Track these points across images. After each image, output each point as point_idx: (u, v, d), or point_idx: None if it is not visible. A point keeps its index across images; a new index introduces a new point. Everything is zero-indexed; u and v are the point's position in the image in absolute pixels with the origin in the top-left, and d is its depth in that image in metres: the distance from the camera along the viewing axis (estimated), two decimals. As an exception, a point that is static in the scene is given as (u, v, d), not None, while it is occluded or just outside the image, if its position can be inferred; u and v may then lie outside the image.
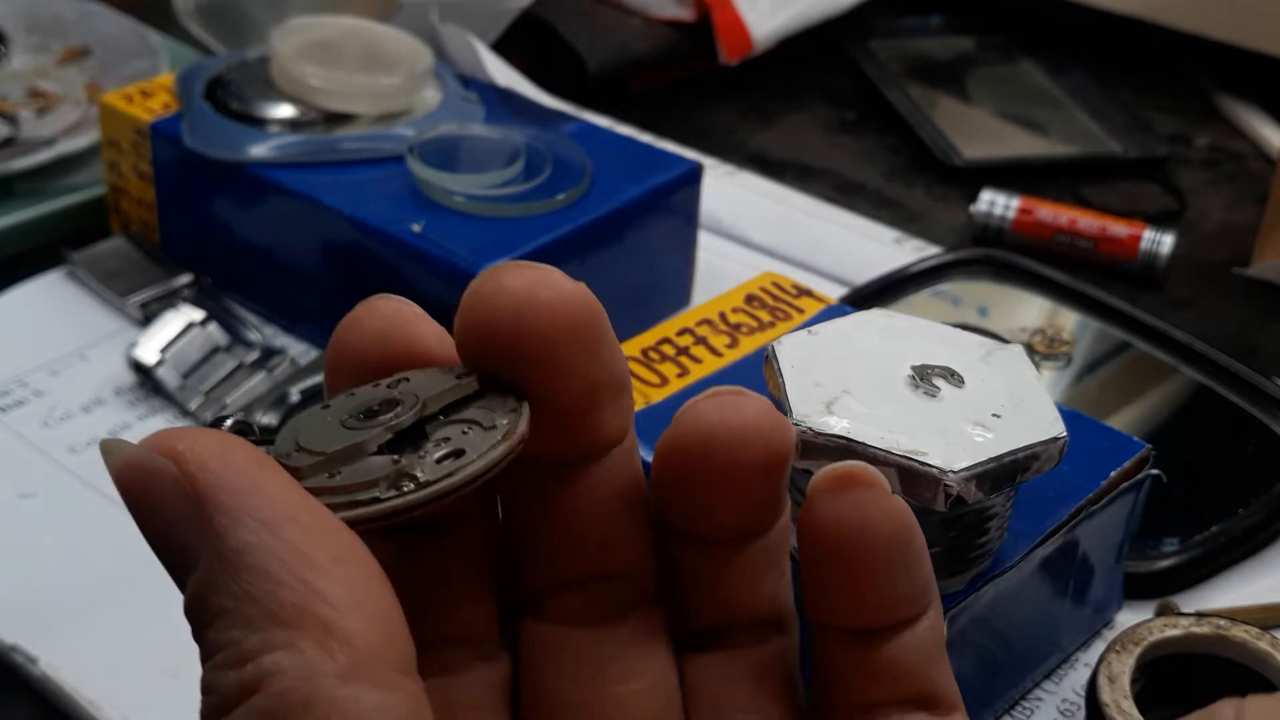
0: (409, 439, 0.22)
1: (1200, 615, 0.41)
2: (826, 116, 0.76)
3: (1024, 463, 0.33)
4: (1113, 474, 0.39)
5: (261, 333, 0.54)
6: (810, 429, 0.32)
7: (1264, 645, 0.39)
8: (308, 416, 0.23)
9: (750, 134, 0.74)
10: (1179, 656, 0.39)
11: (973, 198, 0.65)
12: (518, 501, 0.24)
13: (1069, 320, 0.56)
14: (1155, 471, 0.40)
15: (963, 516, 0.34)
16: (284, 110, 0.56)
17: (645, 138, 0.67)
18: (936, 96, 0.78)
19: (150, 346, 0.52)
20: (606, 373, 0.23)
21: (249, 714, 0.19)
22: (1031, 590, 0.38)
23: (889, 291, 0.56)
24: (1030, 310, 0.57)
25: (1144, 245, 0.62)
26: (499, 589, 0.25)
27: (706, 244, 0.59)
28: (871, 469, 0.23)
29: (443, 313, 0.23)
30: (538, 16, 0.74)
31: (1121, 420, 0.51)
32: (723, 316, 0.45)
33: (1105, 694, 0.38)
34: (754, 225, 0.63)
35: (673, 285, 0.57)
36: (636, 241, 0.54)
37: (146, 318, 0.54)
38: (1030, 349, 0.54)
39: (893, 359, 0.34)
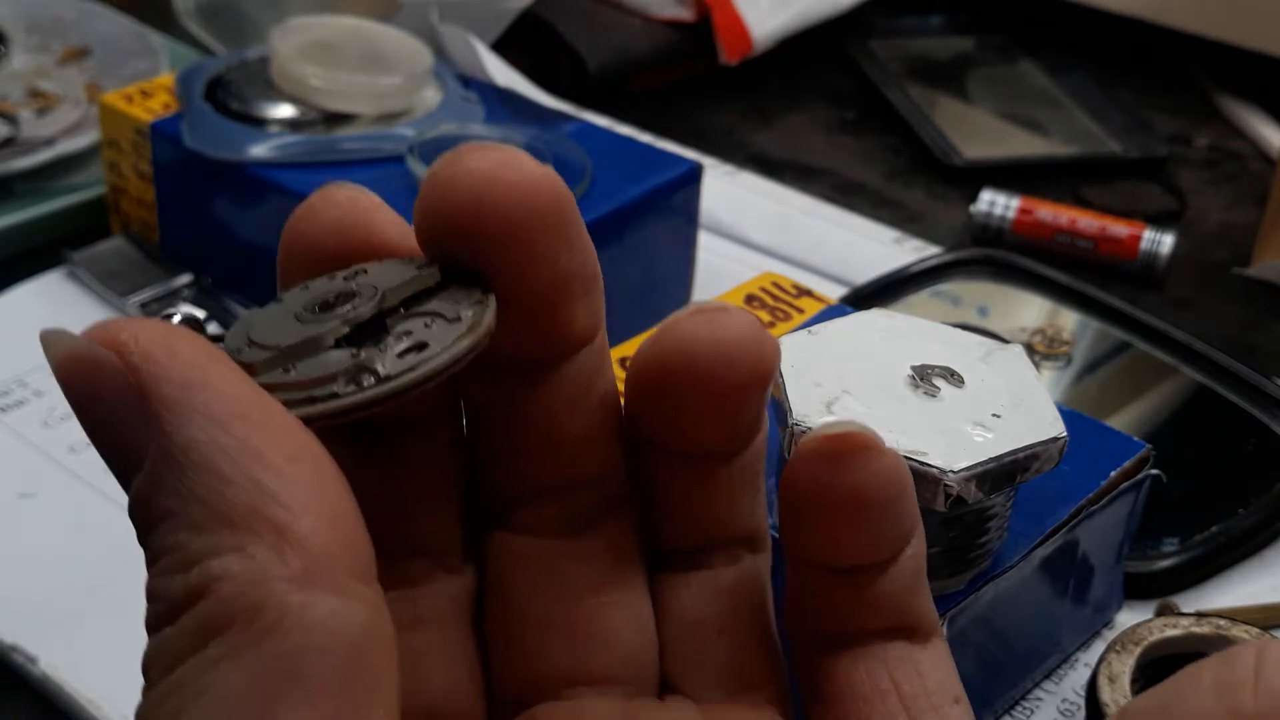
0: (368, 333, 0.21)
1: (1200, 615, 0.41)
2: (826, 116, 0.76)
3: (1024, 463, 0.33)
4: (1113, 474, 0.39)
5: (261, 333, 0.54)
6: (810, 429, 0.32)
7: (1264, 645, 0.39)
8: (260, 311, 0.21)
9: (750, 134, 0.74)
10: (1179, 656, 0.39)
11: (973, 198, 0.65)
12: (483, 404, 0.23)
13: (1069, 320, 0.56)
14: (1155, 471, 0.40)
15: (963, 516, 0.34)
16: (284, 110, 0.56)
17: (645, 138, 0.67)
18: (936, 96, 0.78)
19: (150, 346, 0.52)
20: (577, 263, 0.22)
21: (195, 621, 0.18)
22: (1031, 590, 0.38)
23: (889, 291, 0.56)
24: (1030, 310, 0.57)
25: (1144, 245, 0.62)
26: (464, 500, 0.24)
27: (706, 244, 0.59)
28: (864, 428, 0.22)
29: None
30: (538, 16, 0.74)
31: (1121, 420, 0.51)
32: (723, 316, 0.45)
33: (1105, 694, 0.38)
34: (754, 225, 0.63)
35: (673, 285, 0.57)
36: (636, 241, 0.54)
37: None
38: (1030, 349, 0.54)
39: (893, 359, 0.34)
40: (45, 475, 0.48)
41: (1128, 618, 0.43)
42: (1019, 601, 0.38)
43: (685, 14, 0.76)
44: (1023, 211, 0.64)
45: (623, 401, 0.24)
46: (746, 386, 0.22)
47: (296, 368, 0.20)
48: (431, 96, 0.58)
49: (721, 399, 0.22)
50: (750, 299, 0.46)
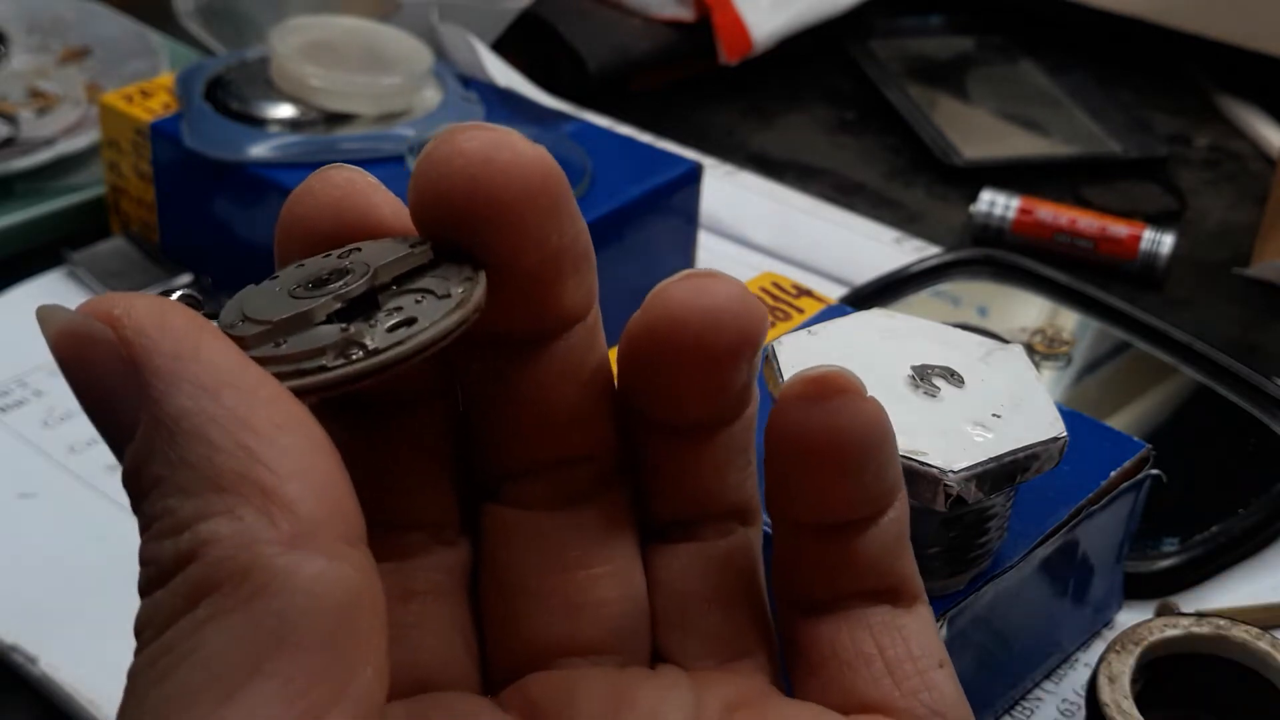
0: (360, 309, 0.21)
1: (1200, 615, 0.41)
2: (826, 116, 0.76)
3: (1024, 463, 0.33)
4: (1113, 474, 0.39)
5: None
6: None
7: (1264, 645, 0.39)
8: (255, 289, 0.22)
9: (750, 134, 0.74)
10: (1179, 656, 0.39)
11: (973, 198, 0.65)
12: (476, 382, 0.23)
13: (1069, 320, 0.56)
14: (1155, 471, 0.40)
15: (963, 516, 0.34)
16: (284, 110, 0.56)
17: (645, 138, 0.67)
18: (936, 96, 0.78)
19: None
20: (568, 241, 0.22)
21: (185, 584, 0.18)
22: (1031, 590, 0.38)
23: (889, 291, 0.56)
24: (1030, 310, 0.57)
25: (1144, 245, 0.62)
26: (459, 474, 0.24)
27: (706, 244, 0.59)
28: (846, 372, 0.22)
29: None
30: (538, 16, 0.74)
31: (1121, 420, 0.51)
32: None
33: (1105, 694, 0.38)
34: (754, 225, 0.63)
35: (673, 285, 0.57)
36: (636, 241, 0.54)
37: (146, 318, 0.54)
38: (1030, 349, 0.54)
39: (893, 359, 0.34)
40: (45, 475, 0.48)
41: (1128, 618, 0.43)
42: (1019, 601, 0.38)
43: (685, 14, 0.76)
44: (1023, 211, 0.64)
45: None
46: (734, 351, 0.22)
47: (287, 342, 0.20)
48: (431, 96, 0.58)
49: (710, 365, 0.22)
50: (750, 299, 0.46)
